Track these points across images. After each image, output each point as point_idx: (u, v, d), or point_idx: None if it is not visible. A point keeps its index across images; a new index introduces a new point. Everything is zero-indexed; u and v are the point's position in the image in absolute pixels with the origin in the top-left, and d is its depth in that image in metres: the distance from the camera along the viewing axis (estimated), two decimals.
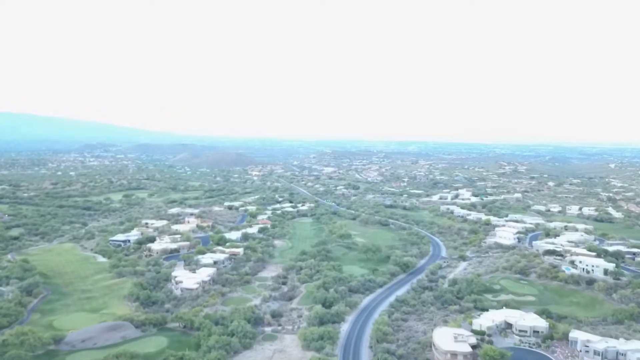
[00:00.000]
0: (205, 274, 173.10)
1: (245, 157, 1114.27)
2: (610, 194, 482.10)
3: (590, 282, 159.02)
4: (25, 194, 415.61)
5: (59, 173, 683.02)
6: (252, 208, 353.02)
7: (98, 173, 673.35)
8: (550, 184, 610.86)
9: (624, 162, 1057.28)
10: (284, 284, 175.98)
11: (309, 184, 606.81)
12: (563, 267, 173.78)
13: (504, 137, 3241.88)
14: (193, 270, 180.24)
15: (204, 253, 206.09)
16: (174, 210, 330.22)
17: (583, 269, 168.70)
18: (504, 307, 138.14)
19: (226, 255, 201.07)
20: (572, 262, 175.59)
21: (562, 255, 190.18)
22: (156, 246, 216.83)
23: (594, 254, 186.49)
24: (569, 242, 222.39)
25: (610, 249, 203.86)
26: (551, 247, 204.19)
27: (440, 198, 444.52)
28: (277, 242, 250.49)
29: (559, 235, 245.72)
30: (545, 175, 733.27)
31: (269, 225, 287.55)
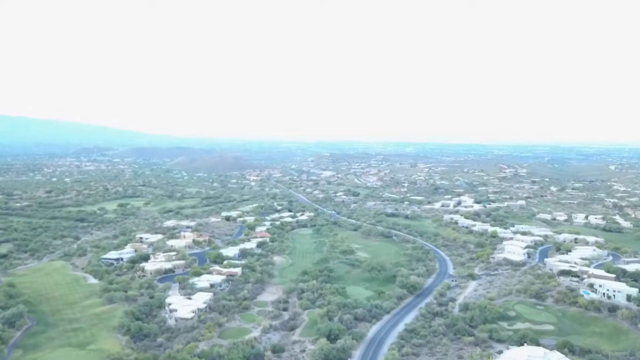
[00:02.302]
0: (201, 300, 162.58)
1: (243, 160, 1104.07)
2: (615, 200, 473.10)
3: (613, 308, 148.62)
4: (18, 204, 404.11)
5: (54, 179, 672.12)
6: (250, 219, 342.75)
7: (93, 179, 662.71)
8: (553, 188, 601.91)
9: (624, 164, 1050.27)
10: (284, 310, 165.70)
11: (308, 189, 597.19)
12: (581, 291, 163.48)
13: (501, 137, 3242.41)
14: (188, 296, 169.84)
15: (199, 274, 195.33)
16: (170, 222, 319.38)
17: (604, 293, 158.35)
18: (525, 343, 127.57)
19: (223, 277, 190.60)
20: (591, 286, 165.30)
21: (578, 276, 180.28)
22: (150, 266, 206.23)
23: (613, 275, 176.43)
24: (582, 259, 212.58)
25: (628, 267, 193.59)
26: (566, 266, 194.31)
27: (443, 205, 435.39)
28: (276, 258, 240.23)
29: (570, 250, 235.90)
30: (546, 179, 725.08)
31: (267, 239, 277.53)
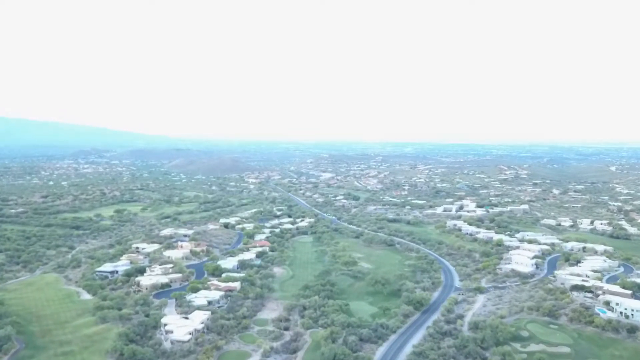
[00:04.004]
0: (198, 320, 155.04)
1: (241, 162, 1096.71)
2: (620, 204, 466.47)
3: (632, 329, 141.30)
4: (13, 210, 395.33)
5: (51, 183, 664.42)
6: (249, 226, 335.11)
7: (91, 183, 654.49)
8: (555, 191, 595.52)
9: (624, 164, 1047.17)
10: (286, 329, 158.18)
11: (307, 193, 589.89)
12: (597, 309, 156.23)
13: (499, 137, 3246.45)
14: (185, 314, 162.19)
15: (197, 290, 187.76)
16: (167, 231, 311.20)
17: (621, 312, 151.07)
18: None
19: (221, 293, 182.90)
20: (608, 303, 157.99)
21: (592, 292, 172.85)
22: (145, 281, 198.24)
23: (629, 292, 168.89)
24: (593, 271, 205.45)
25: None
26: (578, 280, 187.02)
27: (445, 210, 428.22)
28: (276, 270, 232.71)
29: (580, 261, 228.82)
30: (547, 181, 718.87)
31: (267, 248, 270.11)
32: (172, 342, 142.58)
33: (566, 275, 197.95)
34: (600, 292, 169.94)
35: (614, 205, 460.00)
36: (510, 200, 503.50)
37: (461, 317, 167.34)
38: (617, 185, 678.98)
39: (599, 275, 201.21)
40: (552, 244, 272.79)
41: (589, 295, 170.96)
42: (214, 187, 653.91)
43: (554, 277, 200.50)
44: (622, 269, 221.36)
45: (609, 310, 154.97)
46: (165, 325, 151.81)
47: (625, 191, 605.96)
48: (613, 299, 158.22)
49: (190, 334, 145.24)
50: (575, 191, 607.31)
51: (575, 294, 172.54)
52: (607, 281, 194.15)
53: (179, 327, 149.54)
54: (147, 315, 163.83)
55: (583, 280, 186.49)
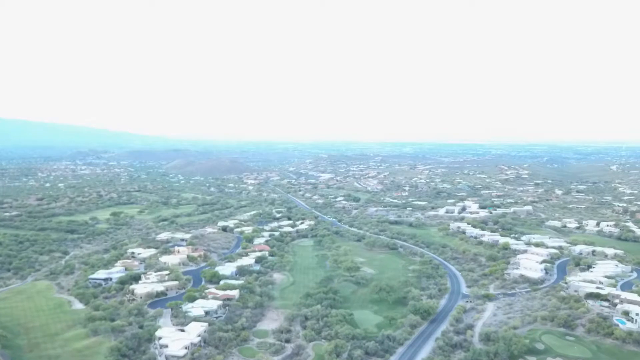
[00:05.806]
0: (195, 332, 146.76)
1: (240, 163, 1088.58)
2: (624, 204, 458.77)
3: None
4: (7, 214, 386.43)
5: (48, 185, 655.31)
6: (248, 229, 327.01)
7: (88, 184, 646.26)
8: (558, 192, 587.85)
9: (624, 163, 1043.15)
10: (287, 341, 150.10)
11: (307, 194, 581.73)
12: (615, 320, 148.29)
13: (498, 136, 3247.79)
14: (181, 326, 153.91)
15: (194, 299, 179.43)
16: (164, 235, 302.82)
17: None
18: None
19: (219, 303, 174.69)
20: (627, 313, 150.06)
21: (608, 300, 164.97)
22: (140, 289, 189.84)
23: None
24: (607, 277, 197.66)
25: None
26: (592, 287, 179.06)
27: (447, 211, 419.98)
28: (276, 276, 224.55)
29: (591, 266, 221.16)
30: (549, 181, 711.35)
31: (267, 253, 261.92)
32: (166, 358, 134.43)
33: (579, 282, 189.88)
34: (617, 300, 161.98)
35: (618, 206, 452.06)
36: (512, 201, 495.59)
37: (471, 327, 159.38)
38: (619, 185, 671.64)
39: (612, 281, 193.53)
40: (560, 247, 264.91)
41: (606, 304, 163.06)
42: (212, 189, 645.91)
43: (566, 283, 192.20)
44: (635, 275, 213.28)
45: (629, 320, 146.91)
46: (159, 338, 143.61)
47: (628, 191, 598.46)
48: (632, 308, 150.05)
49: (186, 348, 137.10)
50: (577, 191, 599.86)
51: (590, 302, 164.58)
52: (622, 288, 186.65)
53: (174, 340, 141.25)
54: (141, 327, 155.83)
55: (598, 288, 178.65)
